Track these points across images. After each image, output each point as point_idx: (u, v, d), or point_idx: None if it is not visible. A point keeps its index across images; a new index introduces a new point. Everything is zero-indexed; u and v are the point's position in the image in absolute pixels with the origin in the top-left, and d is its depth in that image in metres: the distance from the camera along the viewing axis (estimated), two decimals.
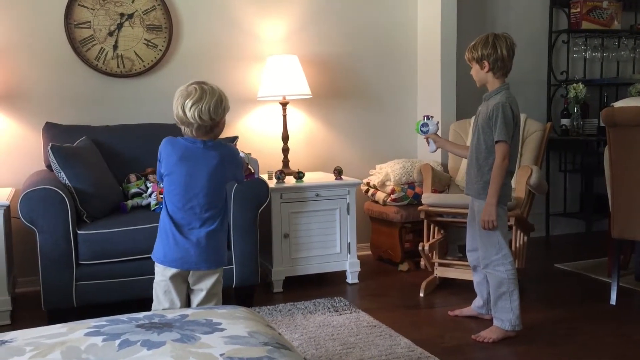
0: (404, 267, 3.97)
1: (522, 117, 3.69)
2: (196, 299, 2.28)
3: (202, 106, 2.11)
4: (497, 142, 2.68)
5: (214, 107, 2.13)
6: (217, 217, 2.23)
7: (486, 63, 2.72)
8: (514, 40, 2.77)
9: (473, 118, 3.87)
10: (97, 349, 1.47)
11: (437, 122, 3.03)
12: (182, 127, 2.20)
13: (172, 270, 2.21)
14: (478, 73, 2.78)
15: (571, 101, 4.78)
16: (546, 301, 3.36)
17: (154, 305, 2.27)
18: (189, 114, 2.12)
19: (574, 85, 4.73)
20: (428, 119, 3.01)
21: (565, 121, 4.82)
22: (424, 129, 3.00)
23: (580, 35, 4.94)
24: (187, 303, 2.29)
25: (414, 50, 4.50)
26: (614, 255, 3.34)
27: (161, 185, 3.26)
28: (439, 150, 4.11)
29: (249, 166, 2.40)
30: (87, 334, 1.56)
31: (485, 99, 2.81)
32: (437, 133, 3.03)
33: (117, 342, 1.50)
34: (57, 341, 1.52)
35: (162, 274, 2.23)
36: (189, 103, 2.11)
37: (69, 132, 3.43)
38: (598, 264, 4.01)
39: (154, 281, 2.27)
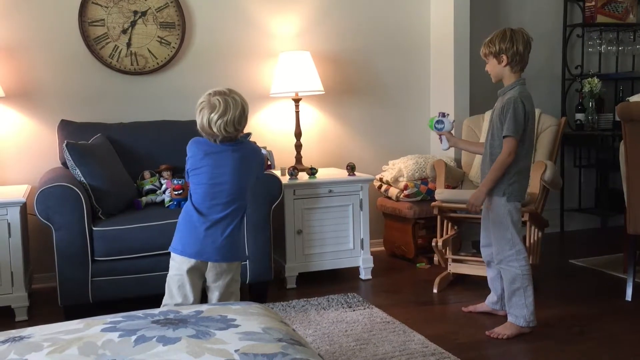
0: (423, 265, 3.95)
1: (537, 112, 3.66)
2: (213, 297, 2.30)
3: (227, 119, 2.15)
4: (505, 136, 2.67)
5: (239, 118, 2.18)
6: (239, 212, 2.28)
7: (504, 57, 2.70)
8: (530, 35, 2.75)
9: (486, 114, 3.87)
10: (114, 344, 1.48)
11: (453, 121, 3.00)
12: (207, 138, 2.23)
13: (190, 264, 2.23)
14: (495, 68, 2.76)
15: (586, 96, 4.74)
16: (561, 297, 3.34)
17: (165, 299, 2.28)
18: (214, 128, 2.16)
19: (589, 79, 4.68)
20: (443, 115, 2.98)
21: (580, 116, 4.78)
22: (439, 126, 2.97)
23: (595, 29, 4.89)
24: (201, 301, 2.31)
25: (427, 46, 4.48)
26: (629, 251, 3.32)
27: (175, 182, 3.30)
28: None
29: (267, 159, 2.46)
30: (103, 330, 1.58)
31: (500, 95, 2.79)
32: (451, 132, 3.01)
33: (133, 338, 1.51)
34: (74, 337, 1.54)
35: (178, 268, 2.25)
36: (214, 117, 2.15)
37: (83, 130, 3.46)
38: (613, 260, 3.98)
39: (168, 275, 2.29)
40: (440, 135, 2.99)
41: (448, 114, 3.01)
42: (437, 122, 2.97)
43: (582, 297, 3.34)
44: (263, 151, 2.43)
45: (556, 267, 3.95)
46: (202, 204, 2.24)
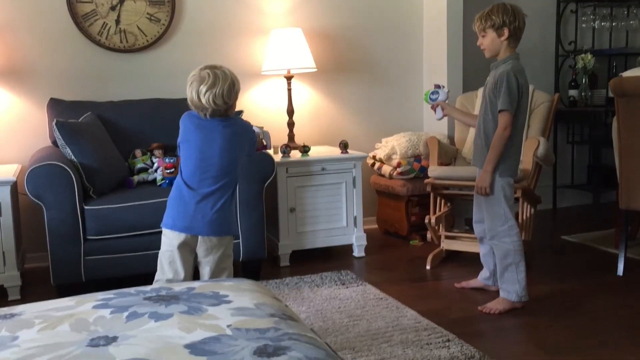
0: (416, 242, 3.96)
1: (530, 88, 3.64)
2: (205, 272, 2.31)
3: (216, 91, 2.16)
4: (500, 111, 2.66)
5: (227, 91, 2.19)
6: (228, 187, 2.28)
7: (506, 30, 2.67)
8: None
9: (480, 90, 3.85)
10: (105, 321, 1.48)
11: (448, 91, 3.00)
12: (197, 111, 2.24)
13: (180, 239, 2.24)
14: (493, 41, 2.71)
15: (579, 72, 4.73)
16: (553, 273, 3.36)
17: (157, 275, 2.30)
18: (203, 100, 2.17)
19: (582, 55, 4.67)
20: (438, 87, 2.98)
21: (573, 92, 4.77)
22: (434, 97, 2.97)
23: (589, 5, 4.86)
24: (193, 277, 2.31)
25: (420, 22, 4.44)
26: (621, 226, 3.33)
27: (167, 161, 3.28)
28: (445, 122, 4.12)
29: (262, 139, 2.46)
30: (95, 307, 1.57)
31: (492, 68, 2.77)
32: (446, 102, 3.00)
33: (125, 314, 1.51)
34: (65, 314, 1.53)
35: (169, 244, 2.26)
36: (203, 89, 2.16)
37: (73, 108, 3.43)
38: (605, 235, 4.00)
39: (160, 251, 2.30)
40: (435, 105, 2.98)
41: (443, 86, 3.01)
42: (432, 92, 2.98)
43: (574, 272, 3.36)
44: (257, 130, 2.42)
45: (548, 243, 3.98)
46: (192, 178, 2.25)
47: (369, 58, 4.35)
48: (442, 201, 3.61)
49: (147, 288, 1.76)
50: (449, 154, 3.86)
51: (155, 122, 3.53)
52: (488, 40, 2.73)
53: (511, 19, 2.67)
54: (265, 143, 2.50)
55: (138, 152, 3.45)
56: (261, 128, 2.48)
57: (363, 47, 4.32)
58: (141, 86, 3.79)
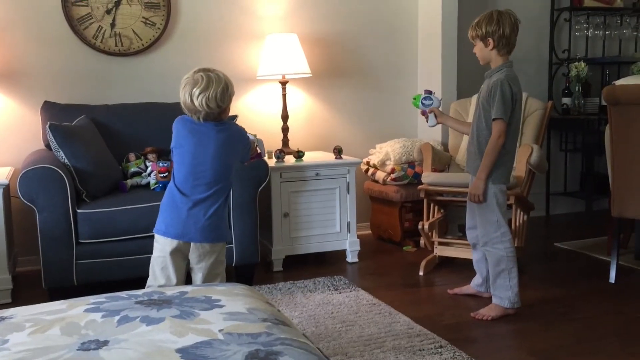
0: (409, 248, 3.96)
1: (524, 95, 3.66)
2: (197, 278, 2.30)
3: (209, 94, 2.15)
4: (494, 119, 2.67)
5: (221, 94, 2.17)
6: (221, 193, 2.27)
7: (491, 40, 2.70)
8: (517, 17, 2.74)
9: (474, 97, 3.86)
10: (97, 324, 1.47)
11: (440, 98, 2.99)
12: (190, 115, 2.23)
13: (172, 245, 2.23)
14: (482, 51, 2.75)
15: (573, 80, 4.76)
16: (545, 280, 3.36)
17: (149, 281, 2.29)
18: (196, 102, 2.16)
19: (576, 63, 4.69)
20: (429, 93, 2.97)
21: (566, 100, 4.79)
22: (427, 102, 2.94)
23: (583, 13, 4.89)
24: (185, 283, 2.30)
25: (415, 29, 4.46)
26: (613, 234, 3.35)
27: (160, 165, 3.27)
28: (439, 129, 4.13)
29: (257, 147, 2.46)
30: (86, 310, 1.57)
31: (487, 77, 2.79)
32: (439, 108, 3.00)
33: (117, 318, 1.50)
34: (56, 317, 1.52)
35: (162, 250, 2.25)
36: (196, 91, 2.15)
37: (67, 111, 3.42)
38: (598, 242, 4.02)
39: (152, 257, 2.29)
40: (428, 112, 2.96)
41: (434, 92, 3.00)
42: (425, 98, 2.95)
43: (567, 279, 3.37)
44: (251, 137, 2.42)
45: (541, 250, 3.99)
46: (185, 184, 2.24)
47: (364, 64, 4.37)
48: (436, 207, 3.62)
49: (139, 292, 1.76)
50: (442, 161, 3.87)
51: (150, 126, 3.52)
52: (477, 50, 2.78)
53: (494, 29, 2.68)
54: (260, 151, 2.50)
55: (132, 156, 3.44)
56: (255, 136, 2.47)
57: (358, 53, 4.34)
58: (136, 90, 3.79)
